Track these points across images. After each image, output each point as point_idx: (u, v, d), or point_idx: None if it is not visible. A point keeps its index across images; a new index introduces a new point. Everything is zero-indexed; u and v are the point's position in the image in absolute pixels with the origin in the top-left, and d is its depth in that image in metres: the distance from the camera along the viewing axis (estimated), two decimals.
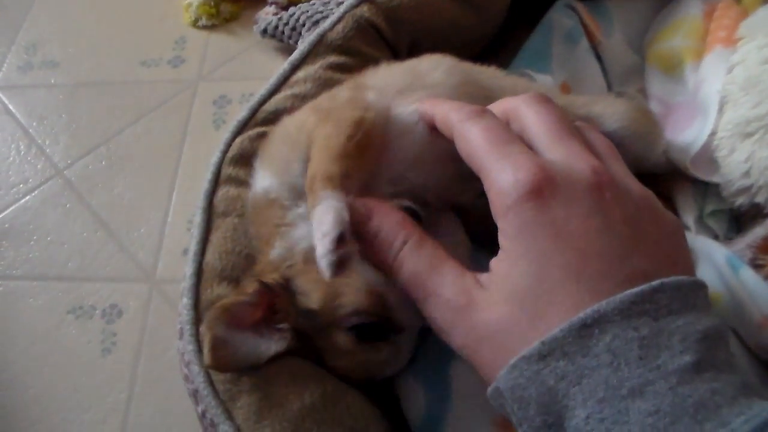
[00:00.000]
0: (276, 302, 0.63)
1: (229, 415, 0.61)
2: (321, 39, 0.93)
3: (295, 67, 0.91)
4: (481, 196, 0.55)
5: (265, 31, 1.29)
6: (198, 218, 0.76)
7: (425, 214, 0.64)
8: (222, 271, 0.71)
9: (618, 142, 0.77)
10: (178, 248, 1.12)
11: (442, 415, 0.67)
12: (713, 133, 0.84)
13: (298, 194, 0.66)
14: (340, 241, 0.54)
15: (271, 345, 0.63)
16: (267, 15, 1.33)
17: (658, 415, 0.41)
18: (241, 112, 0.85)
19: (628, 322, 0.44)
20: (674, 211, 0.86)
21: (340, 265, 0.54)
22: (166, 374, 0.99)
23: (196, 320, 0.67)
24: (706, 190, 0.87)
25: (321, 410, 0.62)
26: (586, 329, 0.45)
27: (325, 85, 0.86)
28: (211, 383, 0.63)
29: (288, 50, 1.22)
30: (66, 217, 1.18)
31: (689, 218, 0.84)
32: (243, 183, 0.78)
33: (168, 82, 1.36)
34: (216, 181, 0.79)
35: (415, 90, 0.72)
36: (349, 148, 0.62)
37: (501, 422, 0.64)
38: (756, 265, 0.74)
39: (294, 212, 0.67)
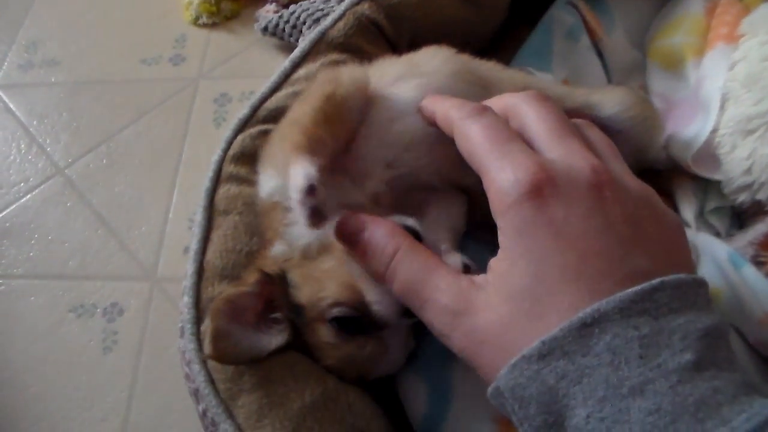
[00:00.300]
0: (273, 295, 0.64)
1: (230, 414, 0.61)
2: (322, 37, 0.92)
3: (296, 65, 0.91)
4: None
5: (265, 29, 1.29)
6: (199, 216, 0.76)
7: (435, 191, 0.64)
8: (223, 270, 0.71)
9: (617, 128, 0.77)
10: (179, 246, 1.12)
11: (443, 412, 0.67)
12: (715, 130, 0.83)
13: None
14: (309, 192, 0.56)
15: (272, 339, 0.63)
16: (268, 13, 1.33)
17: (659, 413, 0.41)
18: (242, 110, 0.85)
19: (629, 321, 0.44)
20: (675, 207, 0.86)
21: (316, 214, 0.57)
22: (167, 373, 0.99)
23: (197, 319, 0.67)
24: (708, 187, 0.87)
25: (322, 408, 0.62)
26: (586, 328, 0.44)
27: None
28: (211, 382, 0.63)
29: (289, 48, 1.22)
30: (67, 216, 1.18)
31: (690, 215, 0.84)
32: (244, 181, 0.78)
33: (168, 80, 1.36)
34: (217, 180, 0.79)
35: (412, 77, 0.72)
36: (318, 119, 0.64)
37: (502, 419, 0.64)
38: (758, 262, 0.74)
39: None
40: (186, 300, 0.69)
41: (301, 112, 0.66)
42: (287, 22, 1.24)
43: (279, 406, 0.61)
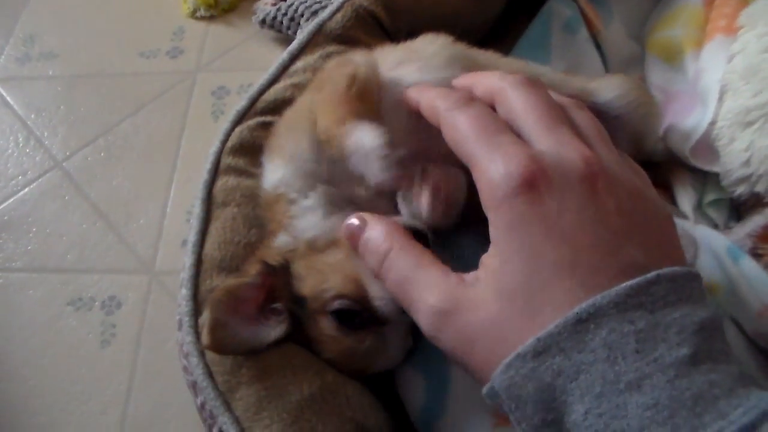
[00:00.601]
0: (275, 285, 0.64)
1: (228, 407, 0.61)
2: (320, 29, 0.92)
3: (294, 57, 0.90)
4: None
5: (263, 22, 1.28)
6: (197, 209, 0.76)
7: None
8: (221, 262, 0.71)
9: (614, 113, 0.77)
10: (177, 239, 1.11)
11: (441, 405, 0.67)
12: (713, 122, 0.83)
13: (309, 181, 0.68)
14: (386, 147, 0.57)
15: (270, 331, 0.63)
16: (265, 5, 1.32)
17: (656, 408, 0.41)
18: (240, 102, 0.85)
19: (624, 315, 0.44)
20: (673, 200, 0.86)
21: (398, 165, 0.58)
22: (166, 366, 0.99)
23: (195, 311, 0.67)
24: (706, 179, 0.87)
25: (320, 401, 0.62)
26: (581, 324, 0.44)
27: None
28: (210, 375, 0.63)
29: (286, 41, 1.22)
30: (65, 209, 1.18)
31: (688, 207, 0.84)
32: (242, 173, 0.78)
33: (166, 73, 1.35)
34: (215, 171, 0.79)
35: (412, 61, 0.72)
36: (351, 96, 0.64)
37: (499, 412, 0.64)
38: (756, 255, 0.74)
39: (301, 204, 0.68)
40: (184, 292, 0.69)
41: (329, 93, 0.66)
42: (285, 14, 1.23)
43: (277, 398, 0.61)
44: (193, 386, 0.65)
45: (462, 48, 0.77)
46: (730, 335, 0.71)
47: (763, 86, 0.79)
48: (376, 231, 0.58)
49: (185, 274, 0.70)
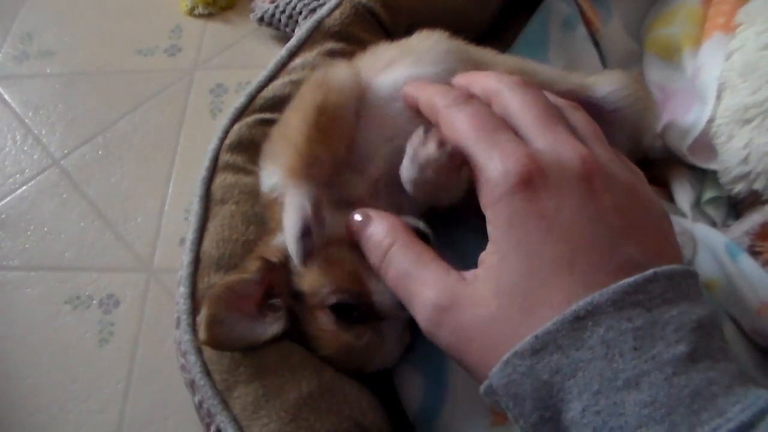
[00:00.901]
0: (274, 281, 0.64)
1: (226, 406, 0.61)
2: (318, 25, 0.92)
3: (292, 54, 0.90)
4: None
5: (261, 20, 1.28)
6: (195, 206, 0.76)
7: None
8: (219, 260, 0.71)
9: (611, 108, 0.77)
10: (175, 237, 1.11)
11: (439, 403, 0.67)
12: (711, 120, 0.83)
13: None
14: (304, 235, 0.59)
15: (268, 328, 0.63)
16: (263, 3, 1.32)
17: (654, 406, 0.41)
18: (238, 99, 0.85)
19: (622, 313, 0.44)
20: (671, 197, 0.85)
21: (308, 255, 0.60)
22: (164, 364, 0.99)
23: (193, 310, 0.67)
24: (704, 176, 0.87)
25: (318, 399, 0.62)
26: (579, 322, 0.44)
27: None
28: (207, 373, 0.63)
29: (285, 38, 1.21)
30: (63, 207, 1.18)
31: (686, 205, 0.83)
32: (241, 170, 0.78)
33: (164, 71, 1.35)
34: (214, 168, 0.79)
35: (407, 56, 0.72)
36: (311, 135, 0.64)
37: (497, 410, 0.64)
38: (754, 252, 0.74)
39: None
40: (182, 290, 0.69)
41: (294, 128, 0.66)
42: (283, 12, 1.23)
43: (275, 397, 0.61)
44: (191, 385, 0.64)
45: (457, 43, 0.77)
46: (728, 333, 0.71)
47: (761, 84, 0.79)
48: (379, 226, 0.58)
49: (183, 272, 0.70)
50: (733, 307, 0.72)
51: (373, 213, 0.60)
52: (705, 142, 0.84)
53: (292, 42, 0.91)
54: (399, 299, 0.56)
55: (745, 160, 0.79)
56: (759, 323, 0.70)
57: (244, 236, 0.73)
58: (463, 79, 0.64)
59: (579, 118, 0.58)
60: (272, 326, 0.63)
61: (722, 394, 0.41)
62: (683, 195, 0.84)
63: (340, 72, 0.72)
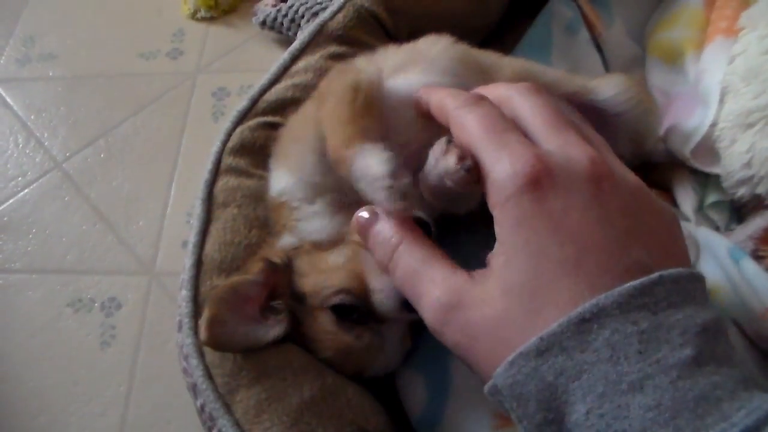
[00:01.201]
0: (277, 283, 0.64)
1: (228, 409, 0.61)
2: (321, 29, 0.92)
3: (295, 57, 0.90)
4: None
5: (263, 23, 1.28)
6: (198, 209, 0.76)
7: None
8: (221, 263, 0.71)
9: (614, 111, 0.77)
10: (178, 240, 1.11)
11: (441, 406, 0.67)
12: (714, 124, 0.83)
13: (314, 191, 0.69)
14: (392, 176, 0.56)
15: (270, 330, 0.63)
16: (266, 6, 1.32)
17: (659, 409, 0.41)
18: (241, 102, 0.85)
19: (627, 316, 0.44)
20: (674, 201, 0.85)
21: (404, 196, 0.56)
22: (166, 367, 0.99)
23: (195, 313, 0.67)
24: (707, 181, 0.87)
25: (320, 403, 0.62)
26: (584, 324, 0.44)
27: (325, 75, 0.85)
28: (209, 377, 0.63)
29: (287, 42, 1.22)
30: (65, 210, 1.18)
31: (689, 209, 0.83)
32: (243, 173, 0.78)
33: (166, 74, 1.35)
34: (216, 171, 0.79)
35: (417, 63, 0.72)
36: (357, 110, 0.64)
37: (500, 413, 0.64)
38: (757, 257, 0.74)
39: (307, 210, 0.69)
40: (184, 293, 0.69)
41: (334, 108, 0.65)
42: (285, 15, 1.23)
43: (278, 401, 0.61)
44: (193, 388, 0.64)
45: (465, 49, 0.77)
46: (732, 337, 0.71)
47: (764, 88, 0.79)
48: (386, 224, 0.58)
49: (185, 275, 0.70)
50: (736, 311, 0.72)
51: (380, 210, 0.60)
52: (708, 146, 0.84)
53: (295, 45, 0.91)
54: (403, 299, 0.56)
55: (747, 164, 0.79)
56: (762, 327, 0.70)
57: (246, 239, 0.73)
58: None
59: (587, 128, 0.58)
60: (274, 329, 0.64)
61: (727, 399, 0.41)
62: (686, 199, 0.84)
63: (360, 62, 0.73)
